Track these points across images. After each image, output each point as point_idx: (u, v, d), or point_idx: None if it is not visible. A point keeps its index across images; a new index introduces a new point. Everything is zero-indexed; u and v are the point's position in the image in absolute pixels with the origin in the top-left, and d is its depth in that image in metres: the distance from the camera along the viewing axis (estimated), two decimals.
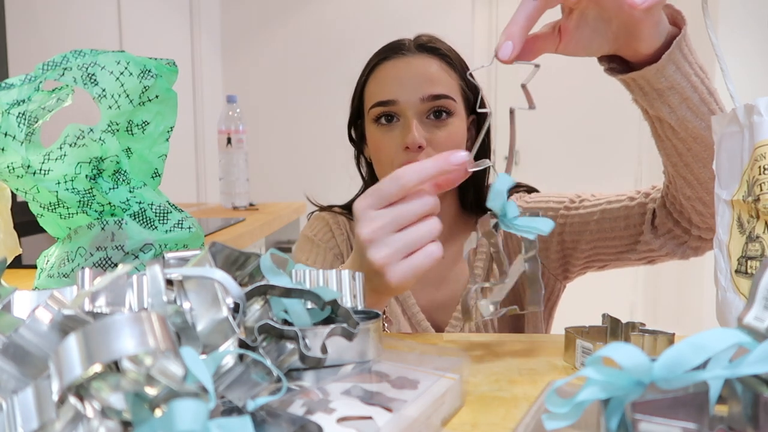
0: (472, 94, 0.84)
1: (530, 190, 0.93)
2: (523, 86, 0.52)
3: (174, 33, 2.52)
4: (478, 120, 0.87)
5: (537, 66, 0.52)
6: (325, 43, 2.84)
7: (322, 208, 0.98)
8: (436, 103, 0.79)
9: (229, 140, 1.85)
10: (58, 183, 0.56)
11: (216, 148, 1.95)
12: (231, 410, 0.32)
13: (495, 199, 0.50)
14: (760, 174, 0.44)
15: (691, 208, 0.66)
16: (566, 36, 0.54)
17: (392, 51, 0.83)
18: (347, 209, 0.96)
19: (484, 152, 0.87)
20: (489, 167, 0.55)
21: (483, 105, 0.75)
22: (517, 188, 0.92)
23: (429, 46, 0.82)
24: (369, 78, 0.84)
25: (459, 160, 0.50)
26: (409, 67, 0.80)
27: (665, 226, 0.71)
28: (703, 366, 0.29)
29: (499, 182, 0.50)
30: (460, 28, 2.81)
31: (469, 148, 0.85)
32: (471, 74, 0.56)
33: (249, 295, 0.40)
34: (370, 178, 0.94)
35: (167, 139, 0.60)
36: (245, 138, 1.88)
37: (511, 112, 0.53)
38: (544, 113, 3.05)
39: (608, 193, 0.79)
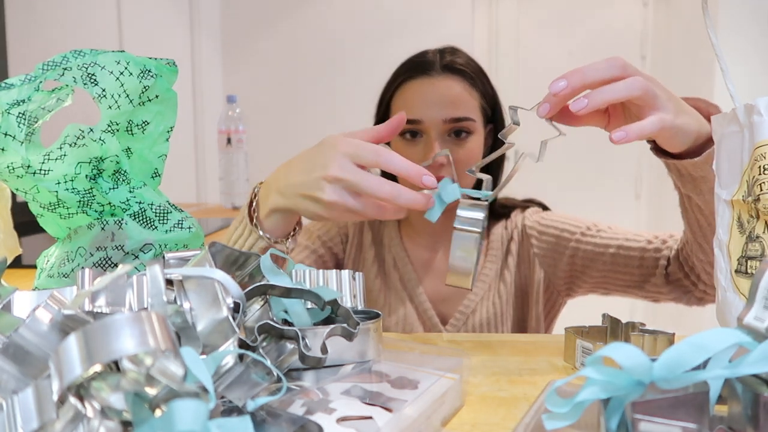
0: (489, 108, 0.90)
1: (543, 207, 0.98)
2: (543, 142, 0.57)
3: (174, 33, 2.52)
4: (495, 130, 0.92)
5: (562, 134, 0.57)
6: (326, 42, 2.84)
7: None
8: (457, 125, 0.85)
9: (229, 140, 1.85)
10: (58, 183, 0.55)
11: (216, 148, 1.95)
12: (231, 410, 0.32)
13: (435, 210, 0.58)
14: (760, 174, 0.44)
15: (701, 268, 0.74)
16: (614, 119, 0.60)
17: (418, 70, 0.87)
18: None
19: (497, 161, 0.93)
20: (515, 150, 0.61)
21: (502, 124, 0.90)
22: (530, 202, 0.97)
23: (453, 67, 0.87)
24: (395, 94, 0.89)
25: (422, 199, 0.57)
26: (434, 89, 0.85)
27: (676, 275, 0.78)
28: (703, 366, 0.29)
29: (444, 191, 0.57)
30: (460, 28, 2.80)
31: (485, 155, 0.90)
32: (513, 123, 0.60)
33: (249, 295, 0.40)
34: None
35: (167, 139, 0.60)
36: (245, 138, 1.87)
37: (520, 156, 0.58)
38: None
39: (625, 230, 0.86)
